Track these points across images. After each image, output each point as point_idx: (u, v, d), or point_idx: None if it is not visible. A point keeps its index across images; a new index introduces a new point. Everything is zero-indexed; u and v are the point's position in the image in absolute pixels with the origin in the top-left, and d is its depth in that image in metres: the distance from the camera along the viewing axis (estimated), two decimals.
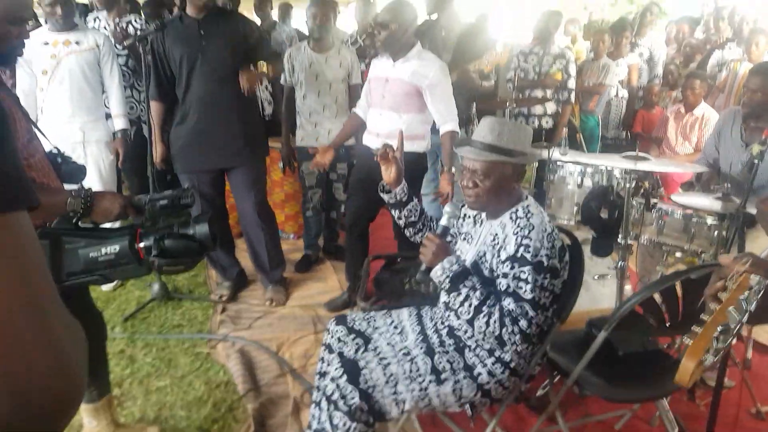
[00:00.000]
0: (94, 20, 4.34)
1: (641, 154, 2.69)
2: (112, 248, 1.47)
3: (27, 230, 0.45)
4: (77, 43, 3.49)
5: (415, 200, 2.26)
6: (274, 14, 6.52)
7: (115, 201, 1.72)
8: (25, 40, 1.68)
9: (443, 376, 1.88)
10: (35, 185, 1.68)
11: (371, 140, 3.29)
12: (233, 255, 3.79)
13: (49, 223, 1.66)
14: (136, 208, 1.71)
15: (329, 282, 4.01)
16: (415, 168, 3.17)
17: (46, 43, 3.41)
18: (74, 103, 3.48)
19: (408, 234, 2.29)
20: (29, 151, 1.71)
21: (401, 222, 2.25)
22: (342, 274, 3.92)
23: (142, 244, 1.49)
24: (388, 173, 2.16)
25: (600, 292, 3.07)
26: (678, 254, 2.73)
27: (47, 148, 1.89)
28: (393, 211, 2.25)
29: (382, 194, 2.23)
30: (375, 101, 3.25)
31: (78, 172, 1.94)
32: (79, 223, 1.67)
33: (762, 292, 0.85)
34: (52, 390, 0.43)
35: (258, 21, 5.93)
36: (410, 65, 3.11)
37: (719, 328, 0.79)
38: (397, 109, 3.16)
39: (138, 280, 3.83)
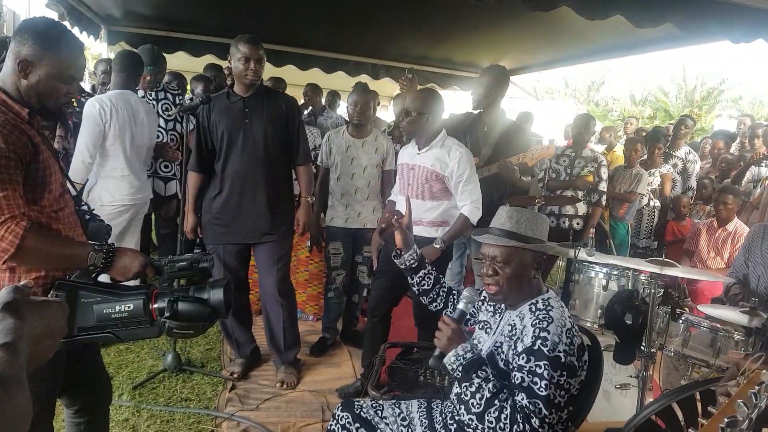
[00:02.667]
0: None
1: (668, 260, 2.65)
2: (126, 306, 1.48)
3: None
4: None
5: (429, 269, 2.36)
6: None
7: (136, 259, 1.73)
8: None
9: None
10: (60, 236, 1.74)
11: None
12: (250, 331, 3.75)
13: (68, 275, 1.69)
14: (155, 268, 1.72)
15: (343, 368, 3.92)
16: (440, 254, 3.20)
17: None
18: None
19: (424, 302, 2.37)
20: (59, 204, 1.77)
21: (416, 289, 2.36)
22: (357, 361, 3.84)
23: (156, 305, 1.50)
24: (397, 241, 2.36)
25: (621, 403, 2.92)
26: (704, 369, 2.61)
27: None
28: (408, 278, 2.38)
29: (394, 260, 2.37)
30: (402, 188, 3.33)
31: (103, 230, 1.98)
32: (98, 279, 1.68)
33: None
34: None
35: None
36: (433, 153, 3.20)
37: (726, 420, 0.74)
38: (421, 196, 3.21)
39: (153, 349, 3.82)
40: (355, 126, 3.98)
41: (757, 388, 0.79)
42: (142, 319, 1.48)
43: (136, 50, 4.52)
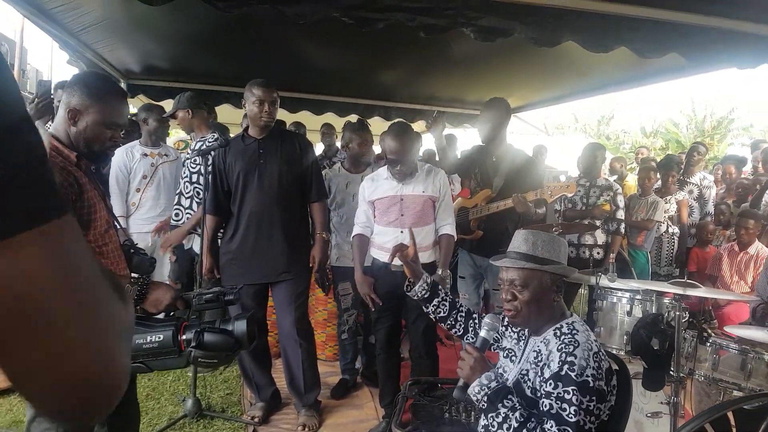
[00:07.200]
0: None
1: (691, 281, 2.61)
2: (156, 337, 1.53)
3: (75, 230, 0.48)
4: (166, 155, 4.55)
5: (443, 295, 2.36)
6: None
7: (167, 292, 1.87)
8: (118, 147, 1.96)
9: None
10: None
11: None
12: (269, 374, 3.72)
13: None
14: (186, 301, 1.84)
15: (366, 410, 3.86)
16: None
17: (146, 155, 4.42)
18: (167, 202, 4.41)
19: (444, 328, 2.38)
20: (104, 239, 1.89)
21: (432, 317, 2.39)
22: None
23: (184, 336, 1.55)
24: (407, 272, 2.39)
25: None
26: (736, 393, 2.53)
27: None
28: (423, 308, 2.40)
29: (407, 292, 2.40)
30: (392, 220, 3.32)
31: (147, 263, 2.11)
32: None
33: None
34: (91, 376, 0.47)
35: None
36: (420, 181, 3.31)
37: None
38: (418, 223, 3.26)
39: (173, 395, 3.80)
40: (353, 161, 4.03)
41: None
42: (172, 349, 1.53)
43: (155, 102, 5.03)
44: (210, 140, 4.42)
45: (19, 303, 0.42)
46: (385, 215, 3.35)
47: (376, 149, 7.01)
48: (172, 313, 1.84)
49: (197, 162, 4.25)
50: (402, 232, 3.27)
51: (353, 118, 6.94)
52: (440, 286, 2.41)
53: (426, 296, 2.34)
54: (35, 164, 0.43)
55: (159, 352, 1.51)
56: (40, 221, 0.43)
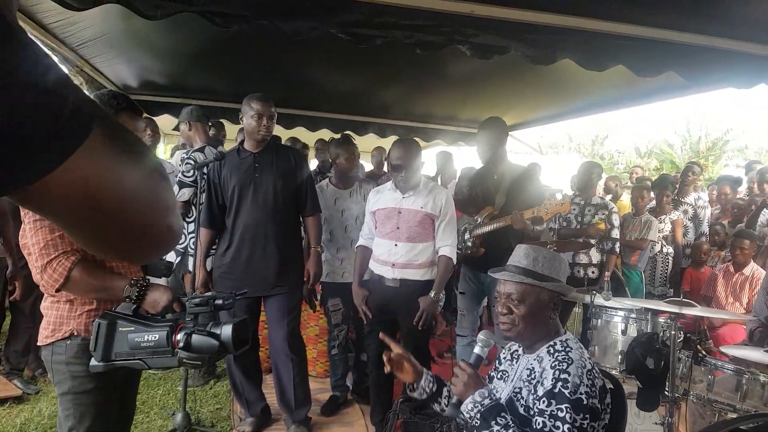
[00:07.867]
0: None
1: (686, 300, 2.60)
2: (153, 336, 1.65)
3: (111, 135, 0.56)
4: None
5: (449, 384, 1.97)
6: None
7: (165, 295, 1.94)
8: None
9: None
10: (113, 273, 1.94)
11: (386, 271, 3.33)
12: (260, 389, 3.68)
13: (113, 307, 1.88)
14: (182, 304, 1.90)
15: (356, 427, 3.81)
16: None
17: None
18: None
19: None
20: None
21: (445, 413, 1.97)
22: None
23: (178, 337, 1.65)
24: (406, 375, 2.03)
25: None
26: (730, 414, 2.51)
27: None
28: (433, 406, 2.06)
29: (411, 394, 2.05)
30: (387, 232, 3.33)
31: (162, 267, 2.18)
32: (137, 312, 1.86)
33: None
34: (152, 235, 0.63)
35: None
36: (421, 196, 3.29)
37: None
38: (412, 239, 3.26)
39: (162, 409, 3.75)
40: (341, 177, 4.01)
41: None
42: (166, 349, 1.64)
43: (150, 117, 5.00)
44: (186, 153, 4.32)
45: (94, 200, 0.54)
46: (383, 226, 3.36)
47: (368, 166, 7.09)
48: (167, 315, 1.91)
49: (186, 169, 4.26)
50: (396, 245, 3.27)
51: (348, 134, 6.97)
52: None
53: (435, 390, 2.03)
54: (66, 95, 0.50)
55: (155, 351, 1.62)
56: (81, 140, 0.51)
